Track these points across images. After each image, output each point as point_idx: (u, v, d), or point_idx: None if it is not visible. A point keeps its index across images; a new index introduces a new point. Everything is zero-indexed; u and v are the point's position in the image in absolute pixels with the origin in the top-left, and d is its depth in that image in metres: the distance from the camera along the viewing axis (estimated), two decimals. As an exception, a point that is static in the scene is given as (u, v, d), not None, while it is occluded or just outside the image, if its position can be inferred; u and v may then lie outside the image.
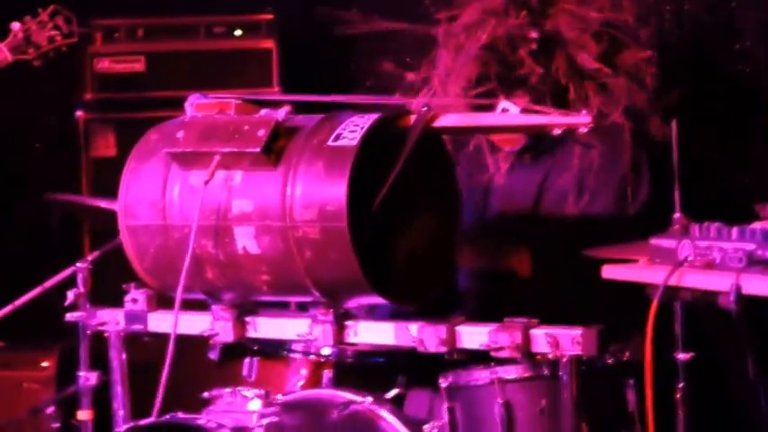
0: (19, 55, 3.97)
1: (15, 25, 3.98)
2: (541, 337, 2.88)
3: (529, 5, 3.47)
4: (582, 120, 2.90)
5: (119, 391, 3.32)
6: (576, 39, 3.43)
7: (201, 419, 3.03)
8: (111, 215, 3.19)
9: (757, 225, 2.69)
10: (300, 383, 3.36)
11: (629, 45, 3.49)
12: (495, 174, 3.54)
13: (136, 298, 3.26)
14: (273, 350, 3.37)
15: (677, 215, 2.83)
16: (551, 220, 3.48)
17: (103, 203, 3.49)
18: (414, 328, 2.98)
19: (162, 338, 3.14)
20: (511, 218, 3.54)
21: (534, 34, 3.40)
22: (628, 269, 2.85)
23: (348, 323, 3.05)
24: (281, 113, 2.99)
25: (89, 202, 3.72)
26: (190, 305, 3.12)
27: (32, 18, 3.99)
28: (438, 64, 3.54)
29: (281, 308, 3.21)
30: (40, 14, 4.00)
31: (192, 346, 3.15)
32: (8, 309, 3.59)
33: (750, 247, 2.59)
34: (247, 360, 3.39)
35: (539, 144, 3.51)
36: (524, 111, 2.93)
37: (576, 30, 3.44)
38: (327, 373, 3.37)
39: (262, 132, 2.94)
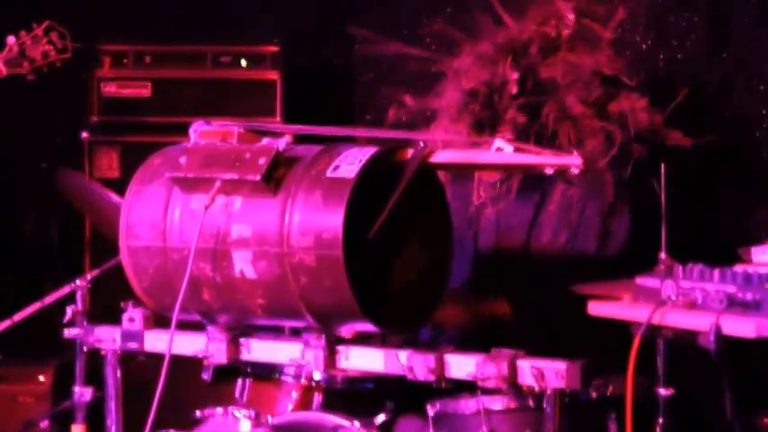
0: (14, 68, 3.98)
1: (11, 39, 3.99)
2: (527, 369, 2.92)
3: (526, 53, 3.52)
4: (573, 161, 2.95)
5: (112, 408, 3.34)
6: (568, 85, 3.49)
7: (193, 438, 3.06)
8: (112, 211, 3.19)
9: (739, 268, 2.74)
10: (290, 406, 3.39)
11: (622, 92, 3.55)
12: (483, 206, 3.58)
13: (133, 317, 3.29)
14: (265, 373, 3.40)
15: (663, 256, 2.87)
16: (541, 255, 3.53)
17: (114, 197, 3.48)
18: (403, 355, 3.02)
19: (157, 357, 3.17)
20: (503, 253, 3.58)
21: (514, 76, 3.45)
22: (613, 306, 2.89)
23: (339, 348, 3.09)
24: (282, 143, 3.03)
25: (98, 188, 3.70)
26: (186, 326, 3.15)
27: (27, 33, 4.00)
28: (444, 99, 3.59)
29: (274, 332, 3.25)
30: (35, 29, 4.01)
31: (185, 365, 3.18)
32: (7, 323, 3.61)
33: (731, 289, 2.63)
34: (240, 381, 3.42)
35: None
36: (518, 150, 2.97)
37: (569, 77, 3.50)
38: (317, 397, 3.40)
39: (262, 161, 2.98)
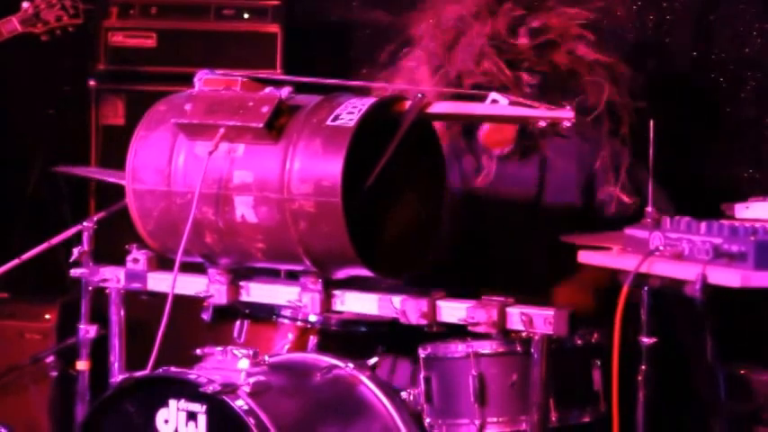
0: (28, 27, 4.03)
1: (25, 3, 4.05)
2: (516, 316, 2.88)
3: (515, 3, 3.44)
4: (565, 114, 2.89)
5: (116, 345, 3.31)
6: (570, 32, 3.40)
7: (193, 374, 3.01)
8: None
9: (724, 221, 2.70)
10: (287, 347, 3.37)
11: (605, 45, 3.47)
12: (486, 175, 3.51)
13: (137, 258, 3.24)
14: (263, 314, 3.36)
15: (649, 209, 2.83)
16: (555, 211, 3.47)
17: (111, 178, 3.46)
18: (397, 300, 2.98)
19: (159, 297, 3.13)
20: (513, 212, 3.52)
21: (536, 23, 3.37)
22: (602, 255, 2.85)
23: (335, 292, 3.04)
24: (284, 92, 2.98)
25: (97, 175, 3.69)
26: (188, 267, 3.10)
27: None
28: (415, 57, 3.50)
29: (273, 275, 3.20)
30: None
31: (186, 305, 3.14)
32: (15, 262, 3.58)
33: (717, 240, 2.59)
34: (238, 322, 3.38)
35: (526, 147, 3.49)
36: (512, 103, 2.91)
37: (564, 25, 3.41)
38: (313, 339, 3.37)
39: (265, 109, 2.92)
